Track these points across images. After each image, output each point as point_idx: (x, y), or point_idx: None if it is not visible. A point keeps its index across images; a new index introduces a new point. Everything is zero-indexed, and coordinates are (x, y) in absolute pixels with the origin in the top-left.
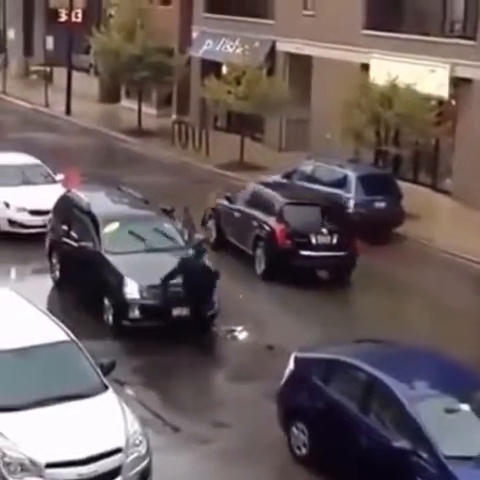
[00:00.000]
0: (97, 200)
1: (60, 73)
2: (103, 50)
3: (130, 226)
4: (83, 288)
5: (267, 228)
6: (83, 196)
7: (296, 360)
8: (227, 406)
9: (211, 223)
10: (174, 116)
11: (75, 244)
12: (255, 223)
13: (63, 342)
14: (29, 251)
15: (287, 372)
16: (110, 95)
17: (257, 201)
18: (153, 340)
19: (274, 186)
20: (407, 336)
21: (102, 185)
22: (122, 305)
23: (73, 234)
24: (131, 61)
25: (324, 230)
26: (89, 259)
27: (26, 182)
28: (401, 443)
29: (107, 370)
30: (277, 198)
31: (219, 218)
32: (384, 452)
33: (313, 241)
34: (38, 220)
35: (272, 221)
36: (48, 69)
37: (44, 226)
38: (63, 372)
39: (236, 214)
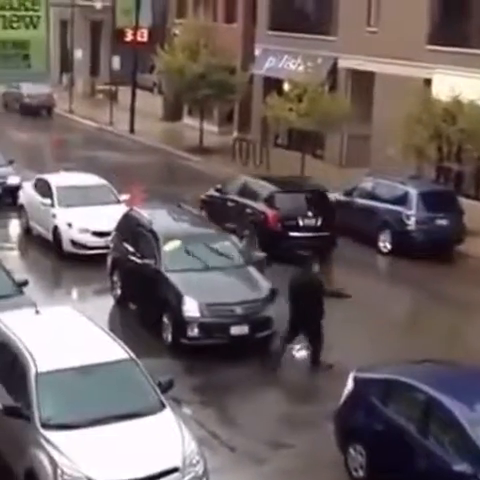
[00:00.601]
0: (158, 218)
1: (125, 92)
2: (167, 69)
3: (190, 244)
4: (143, 306)
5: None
6: (145, 214)
7: (355, 380)
8: (285, 426)
9: (203, 213)
10: (235, 133)
11: (136, 262)
12: (249, 210)
13: (123, 360)
14: (91, 271)
15: (346, 392)
16: (173, 113)
17: (248, 191)
18: (212, 359)
19: (263, 177)
20: (469, 357)
21: (164, 203)
22: (181, 323)
23: (134, 252)
24: (194, 79)
25: (310, 213)
26: (149, 277)
27: (90, 203)
28: (461, 467)
29: (165, 388)
30: (267, 187)
31: (211, 207)
32: (444, 476)
33: (300, 223)
34: (100, 241)
35: (264, 207)
36: (113, 88)
37: (106, 247)
38: (122, 390)
39: (229, 203)
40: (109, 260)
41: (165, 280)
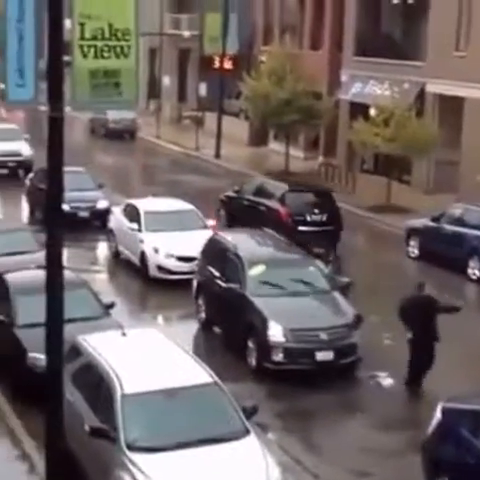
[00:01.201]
0: (243, 242)
1: (211, 118)
2: (253, 95)
3: (275, 269)
4: (228, 330)
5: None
6: (230, 238)
7: (444, 410)
8: (369, 454)
9: (222, 211)
10: (321, 158)
11: (221, 286)
12: (263, 208)
13: (208, 384)
14: (176, 296)
15: (434, 422)
16: (259, 138)
17: (263, 191)
18: (296, 384)
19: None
20: None
21: (248, 228)
22: (266, 348)
23: (219, 276)
24: (280, 105)
25: (314, 209)
26: (234, 301)
27: (178, 228)
28: None
29: (250, 414)
30: (282, 187)
31: (229, 207)
32: None
33: (308, 218)
34: (185, 266)
35: (277, 205)
36: (200, 114)
37: (191, 272)
38: (207, 414)
39: (245, 202)
40: (194, 284)
41: (250, 304)
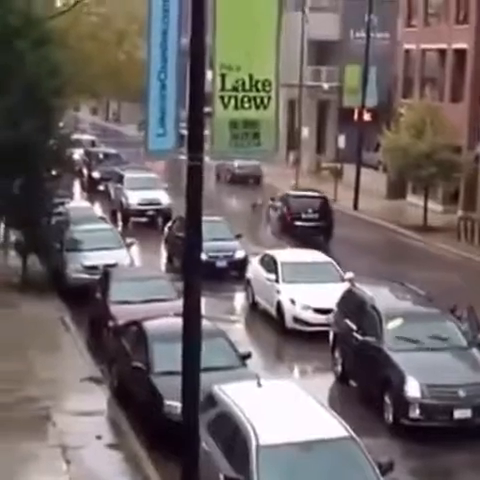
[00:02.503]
0: (380, 295)
1: (349, 170)
2: (392, 147)
3: (413, 323)
4: (364, 384)
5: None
6: (367, 291)
7: None
8: None
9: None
10: (460, 212)
11: (358, 339)
12: (279, 210)
13: (343, 438)
14: (312, 348)
15: None
16: (397, 191)
17: (282, 198)
18: (433, 442)
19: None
20: None
21: (386, 280)
22: (402, 403)
23: (356, 329)
24: (419, 158)
25: (309, 209)
26: (371, 354)
27: (315, 280)
28: None
29: (385, 470)
30: (286, 192)
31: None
32: None
33: (303, 216)
34: (322, 318)
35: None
36: (338, 166)
37: (328, 324)
38: (342, 469)
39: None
40: (331, 336)
41: (387, 359)
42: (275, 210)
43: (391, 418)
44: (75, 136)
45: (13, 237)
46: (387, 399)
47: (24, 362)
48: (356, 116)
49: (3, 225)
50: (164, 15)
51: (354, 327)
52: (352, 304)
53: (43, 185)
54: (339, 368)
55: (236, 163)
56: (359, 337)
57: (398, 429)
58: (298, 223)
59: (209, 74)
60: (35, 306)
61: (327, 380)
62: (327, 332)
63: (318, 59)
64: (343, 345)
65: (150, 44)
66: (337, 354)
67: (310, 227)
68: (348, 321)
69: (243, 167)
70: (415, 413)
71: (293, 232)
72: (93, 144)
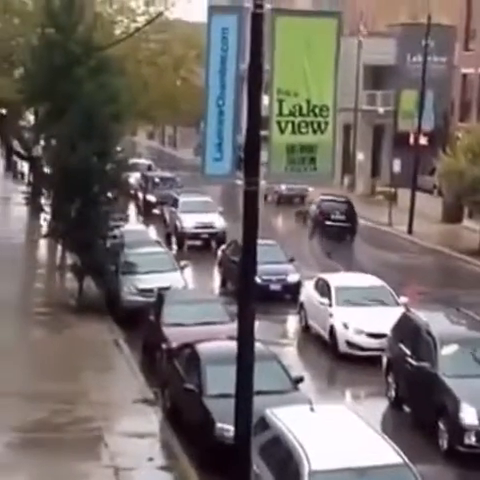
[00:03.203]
0: (436, 320)
1: (404, 194)
2: (448, 171)
3: (469, 349)
4: (418, 409)
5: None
6: (421, 315)
7: None
8: None
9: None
10: None
11: (412, 364)
12: (312, 213)
13: (397, 465)
14: (366, 373)
15: None
16: (452, 215)
17: (316, 202)
18: None
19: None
20: None
21: (441, 305)
22: (458, 430)
23: (410, 354)
24: (475, 182)
25: (337, 211)
26: (425, 380)
27: (368, 304)
28: None
29: None
30: (320, 197)
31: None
32: None
33: (332, 217)
34: (375, 343)
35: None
36: (393, 190)
37: (381, 349)
38: None
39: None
40: (384, 361)
41: (442, 384)
42: (310, 214)
43: (446, 445)
44: (132, 160)
45: (70, 259)
46: (442, 425)
47: (78, 383)
48: (412, 140)
49: (60, 247)
50: (223, 42)
51: (408, 352)
52: (407, 329)
53: (100, 208)
54: (393, 393)
55: (284, 185)
56: (413, 362)
57: (453, 456)
58: (328, 222)
59: (265, 99)
60: (90, 328)
61: (380, 405)
62: (380, 357)
63: (373, 83)
64: (397, 370)
65: (209, 71)
66: (391, 379)
67: (337, 226)
68: (402, 346)
69: (290, 188)
70: (471, 440)
71: (324, 230)
72: (149, 168)
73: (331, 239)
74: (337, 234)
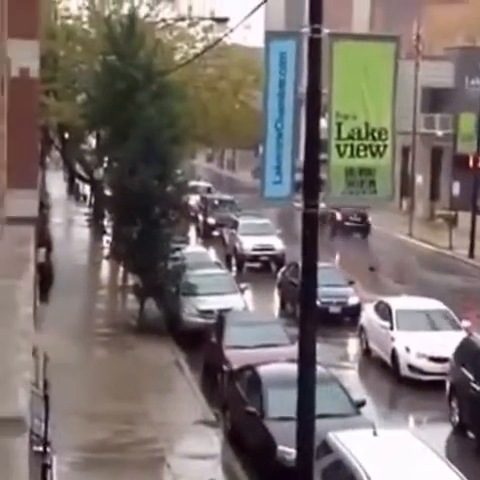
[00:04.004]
0: None
1: (465, 217)
2: None
3: None
4: None
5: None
6: None
7: None
8: None
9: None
10: None
11: (476, 389)
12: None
13: None
14: (428, 397)
15: None
16: None
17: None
18: None
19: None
20: None
21: None
22: None
23: (474, 379)
24: None
25: (355, 214)
26: None
27: (430, 327)
28: None
29: None
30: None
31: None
32: None
33: (350, 218)
34: (438, 367)
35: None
36: (453, 213)
37: (444, 373)
38: None
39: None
40: (447, 386)
41: None
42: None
43: None
44: (191, 183)
45: (131, 281)
46: None
47: (140, 403)
48: (471, 163)
49: (122, 269)
50: (281, 67)
51: (472, 377)
52: (469, 353)
53: (161, 230)
54: (456, 418)
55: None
56: (477, 387)
57: None
58: (347, 223)
59: (323, 122)
60: (151, 348)
61: (443, 431)
62: (442, 381)
63: (431, 106)
64: (460, 395)
65: (267, 94)
66: (454, 404)
67: (354, 226)
68: (465, 371)
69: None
70: None
71: (343, 229)
72: (209, 190)
73: (349, 236)
74: (352, 232)
